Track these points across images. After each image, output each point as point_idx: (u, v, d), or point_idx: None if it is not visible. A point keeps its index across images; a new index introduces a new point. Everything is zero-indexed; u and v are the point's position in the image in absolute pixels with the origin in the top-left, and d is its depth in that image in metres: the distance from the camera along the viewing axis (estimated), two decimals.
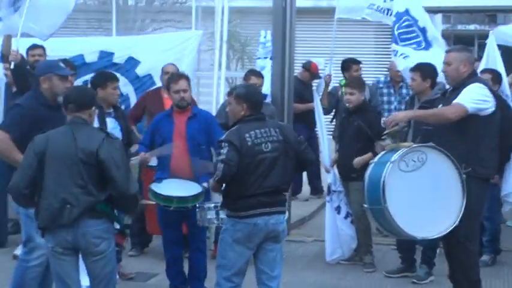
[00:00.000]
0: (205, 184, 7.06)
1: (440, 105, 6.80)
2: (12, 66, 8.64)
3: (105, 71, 7.56)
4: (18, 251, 8.69)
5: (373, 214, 6.59)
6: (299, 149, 6.20)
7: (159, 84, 9.24)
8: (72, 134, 5.69)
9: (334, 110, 10.34)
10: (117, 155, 5.65)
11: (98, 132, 5.77)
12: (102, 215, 5.67)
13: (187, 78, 7.59)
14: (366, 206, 6.59)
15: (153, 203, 6.77)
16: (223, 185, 6.12)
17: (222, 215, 6.57)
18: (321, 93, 9.99)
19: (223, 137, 6.13)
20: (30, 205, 5.87)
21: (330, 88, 10.24)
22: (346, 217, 8.48)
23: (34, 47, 9.34)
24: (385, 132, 6.86)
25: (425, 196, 6.39)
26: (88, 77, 9.70)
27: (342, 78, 10.11)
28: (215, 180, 6.05)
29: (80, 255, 5.77)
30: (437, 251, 7.94)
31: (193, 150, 7.30)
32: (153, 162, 7.52)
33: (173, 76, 7.68)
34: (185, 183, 7.17)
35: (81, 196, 5.60)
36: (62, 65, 6.90)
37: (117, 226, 6.00)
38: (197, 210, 6.93)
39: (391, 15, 9.52)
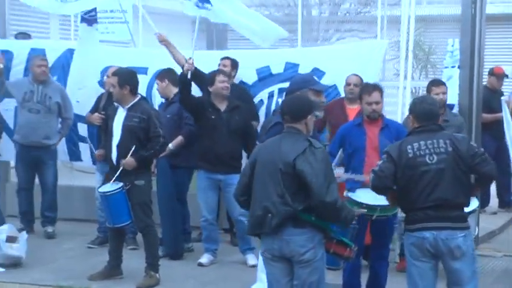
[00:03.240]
0: None
1: None
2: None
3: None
4: (204, 259, 8.89)
5: None
6: (471, 163, 5.93)
7: (343, 94, 9.16)
8: (279, 143, 5.78)
9: None
10: (317, 163, 5.64)
11: (303, 141, 5.75)
12: (306, 224, 5.69)
13: (380, 90, 7.49)
14: None
15: (364, 211, 6.62)
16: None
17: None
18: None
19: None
20: None
21: None
22: None
23: (224, 58, 9.49)
24: None
25: None
26: (274, 87, 9.85)
27: None
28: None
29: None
30: None
31: None
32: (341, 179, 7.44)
33: (367, 87, 7.59)
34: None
35: (279, 205, 5.67)
36: (316, 78, 6.88)
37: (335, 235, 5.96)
38: (396, 223, 6.79)
39: None
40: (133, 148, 7.97)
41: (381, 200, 6.56)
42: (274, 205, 5.67)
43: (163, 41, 9.28)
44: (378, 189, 6.08)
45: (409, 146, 5.97)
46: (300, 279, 5.78)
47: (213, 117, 8.74)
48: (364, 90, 7.52)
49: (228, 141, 8.57)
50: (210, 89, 8.83)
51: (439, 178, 5.91)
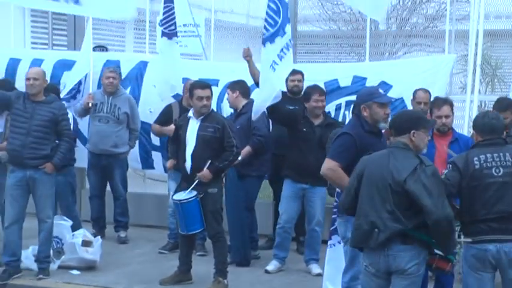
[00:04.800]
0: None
1: None
2: None
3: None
4: (272, 266, 8.96)
5: None
6: None
7: (410, 107, 9.15)
8: (388, 158, 5.70)
9: None
10: (429, 181, 5.55)
11: (412, 159, 5.67)
12: (414, 240, 5.62)
13: (451, 104, 7.51)
14: None
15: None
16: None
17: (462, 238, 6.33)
18: None
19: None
20: None
21: None
22: None
23: (295, 72, 9.54)
24: None
25: None
26: (341, 100, 9.88)
27: None
28: None
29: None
30: None
31: None
32: None
33: (437, 101, 7.62)
34: None
35: (388, 222, 5.60)
36: (381, 91, 6.88)
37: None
38: None
39: None
40: (209, 162, 8.08)
41: None
42: (383, 221, 5.60)
43: (247, 56, 9.26)
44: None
45: (476, 158, 5.96)
46: None
47: (304, 129, 8.79)
48: (435, 104, 7.55)
49: (318, 154, 8.51)
50: (306, 105, 8.88)
51: (504, 191, 5.89)
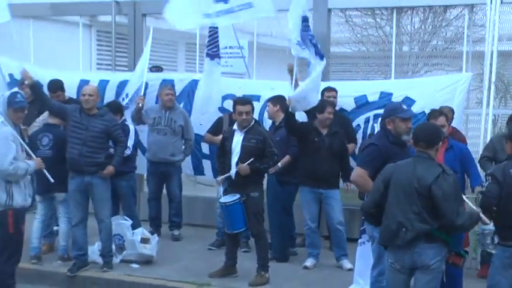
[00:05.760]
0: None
1: None
2: None
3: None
4: (309, 262, 8.90)
5: None
6: None
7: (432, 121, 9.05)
8: (414, 167, 5.68)
9: None
10: (449, 188, 5.55)
11: (436, 167, 5.67)
12: (437, 239, 5.61)
13: (445, 115, 7.74)
14: None
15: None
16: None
17: (496, 240, 6.23)
18: None
19: (490, 171, 6.06)
20: (377, 224, 5.96)
21: None
22: None
23: (330, 89, 9.52)
24: None
25: None
26: (370, 114, 9.81)
27: None
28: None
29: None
30: None
31: None
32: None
33: (434, 113, 7.76)
34: None
35: (415, 222, 5.57)
36: (404, 107, 6.84)
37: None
38: (478, 234, 6.66)
39: None
40: (251, 159, 8.06)
41: None
42: (410, 221, 5.58)
43: (290, 73, 9.19)
44: (485, 207, 5.94)
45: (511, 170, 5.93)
46: (421, 285, 5.71)
47: (316, 140, 8.76)
48: (432, 115, 7.63)
49: (329, 161, 8.55)
50: (318, 115, 8.85)
51: None
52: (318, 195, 8.84)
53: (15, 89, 7.88)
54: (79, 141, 8.42)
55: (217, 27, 9.99)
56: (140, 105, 10.07)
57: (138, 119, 10.14)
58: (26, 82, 8.93)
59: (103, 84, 11.05)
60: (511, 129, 6.26)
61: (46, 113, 9.11)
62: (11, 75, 11.13)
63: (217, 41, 10.03)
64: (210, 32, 10.05)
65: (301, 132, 8.85)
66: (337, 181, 8.83)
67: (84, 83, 11.03)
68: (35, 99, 8.95)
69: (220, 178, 8.50)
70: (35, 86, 8.80)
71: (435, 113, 7.76)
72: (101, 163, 8.47)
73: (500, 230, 5.98)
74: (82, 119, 8.48)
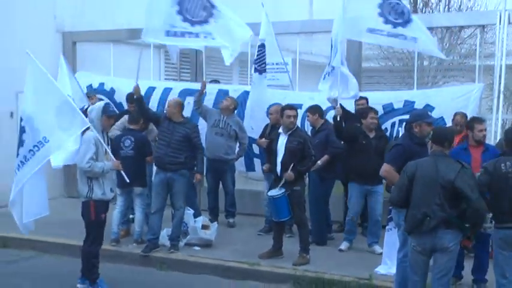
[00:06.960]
0: None
1: None
2: None
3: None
4: (343, 246, 8.87)
5: None
6: None
7: (449, 124, 8.97)
8: (435, 163, 5.72)
9: None
10: (471, 180, 5.62)
11: (455, 163, 5.72)
12: (454, 226, 5.65)
13: (485, 121, 7.54)
14: None
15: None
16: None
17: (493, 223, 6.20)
18: None
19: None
20: (403, 207, 5.96)
21: None
22: None
23: (361, 98, 9.47)
24: None
25: None
26: (395, 119, 9.75)
27: None
28: None
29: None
30: None
31: None
32: None
33: (478, 119, 7.54)
34: None
35: (437, 211, 5.63)
36: (429, 113, 6.94)
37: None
38: None
39: None
40: (292, 165, 8.08)
41: None
42: (433, 211, 5.63)
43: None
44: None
45: (503, 164, 5.92)
46: (440, 264, 5.75)
47: (363, 142, 8.67)
48: (476, 121, 7.46)
49: (375, 160, 8.39)
50: (363, 121, 8.76)
51: None
52: (364, 190, 8.75)
53: (107, 101, 8.07)
54: (165, 143, 8.63)
55: (264, 47, 10.03)
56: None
57: (198, 102, 10.06)
58: (135, 97, 9.10)
59: (167, 91, 11.23)
60: (508, 132, 6.22)
61: (123, 118, 9.29)
62: (89, 86, 11.64)
63: (265, 58, 10.08)
64: (258, 50, 10.09)
65: (350, 136, 8.79)
66: (381, 178, 8.76)
67: (150, 89, 11.25)
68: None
69: (266, 166, 8.74)
70: (141, 99, 9.09)
71: (479, 120, 7.60)
72: (181, 163, 8.61)
73: (496, 215, 6.01)
74: (169, 126, 8.67)
